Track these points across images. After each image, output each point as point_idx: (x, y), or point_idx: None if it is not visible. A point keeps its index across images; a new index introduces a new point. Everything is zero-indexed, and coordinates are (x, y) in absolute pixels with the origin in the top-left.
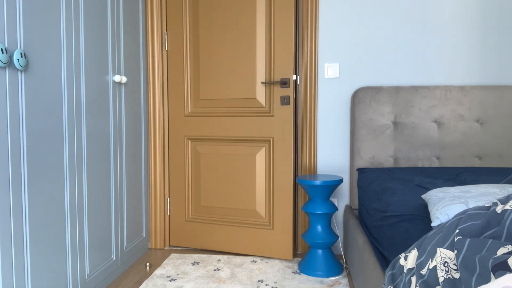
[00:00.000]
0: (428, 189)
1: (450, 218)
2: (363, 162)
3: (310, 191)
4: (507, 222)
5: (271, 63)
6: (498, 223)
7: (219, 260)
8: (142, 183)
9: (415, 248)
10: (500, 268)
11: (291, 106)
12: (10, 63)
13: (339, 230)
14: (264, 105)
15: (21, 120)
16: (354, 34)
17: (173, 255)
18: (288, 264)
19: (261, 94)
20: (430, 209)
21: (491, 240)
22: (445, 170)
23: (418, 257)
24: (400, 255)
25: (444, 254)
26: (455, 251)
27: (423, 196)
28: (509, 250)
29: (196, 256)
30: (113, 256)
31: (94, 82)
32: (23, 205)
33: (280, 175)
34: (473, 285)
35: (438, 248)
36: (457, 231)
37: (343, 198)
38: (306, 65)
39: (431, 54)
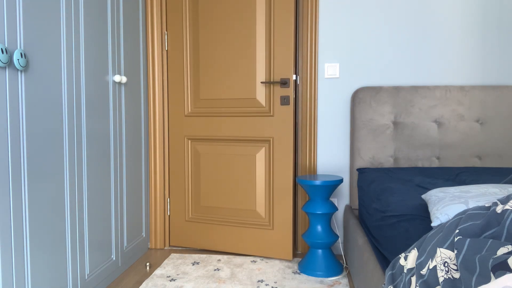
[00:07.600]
0: (428, 189)
1: (450, 218)
2: (363, 162)
3: (310, 191)
4: (507, 222)
5: (271, 63)
6: (498, 223)
7: (219, 260)
8: (142, 183)
9: (415, 248)
10: (500, 268)
11: (291, 106)
12: (10, 63)
13: (339, 230)
14: (264, 105)
15: (21, 120)
16: (354, 34)
17: (173, 255)
18: (288, 264)
19: (261, 94)
20: (430, 209)
21: (491, 240)
22: (445, 170)
23: (418, 257)
24: (400, 255)
25: (444, 254)
26: (455, 251)
27: (423, 196)
28: (509, 250)
29: (196, 256)
30: (113, 256)
31: (94, 82)
32: (23, 205)
33: (280, 175)
34: (473, 285)
35: (438, 248)
36: (457, 231)
37: (343, 198)
38: (306, 65)
39: (431, 54)
